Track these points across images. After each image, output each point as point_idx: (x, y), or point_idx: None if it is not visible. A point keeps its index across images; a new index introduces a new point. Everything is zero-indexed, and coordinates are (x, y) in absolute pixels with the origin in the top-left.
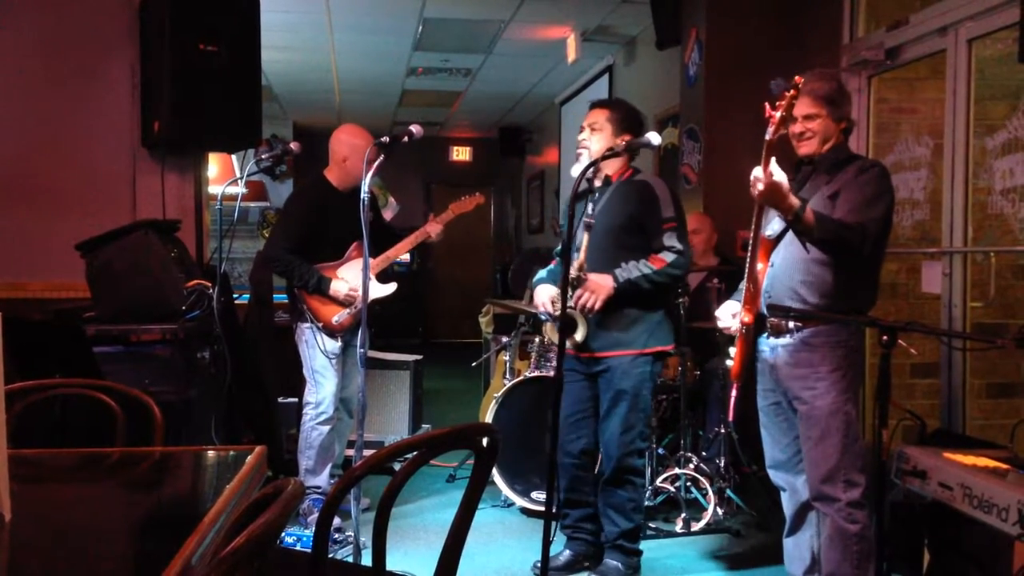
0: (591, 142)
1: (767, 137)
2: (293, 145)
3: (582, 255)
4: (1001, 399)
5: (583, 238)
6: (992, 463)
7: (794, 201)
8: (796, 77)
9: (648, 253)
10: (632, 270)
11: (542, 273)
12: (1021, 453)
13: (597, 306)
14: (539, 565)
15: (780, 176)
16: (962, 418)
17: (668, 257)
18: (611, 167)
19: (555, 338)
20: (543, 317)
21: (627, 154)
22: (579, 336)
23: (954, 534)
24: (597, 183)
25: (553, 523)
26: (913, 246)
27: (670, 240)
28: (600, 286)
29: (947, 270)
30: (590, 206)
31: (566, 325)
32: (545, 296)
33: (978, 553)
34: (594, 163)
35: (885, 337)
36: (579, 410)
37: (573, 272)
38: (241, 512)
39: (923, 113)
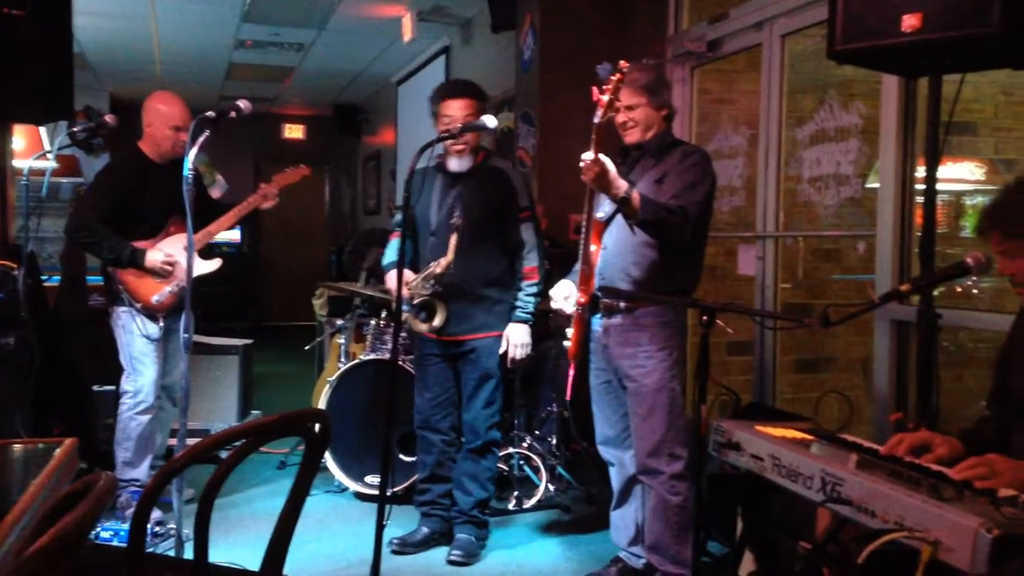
0: (471, 136)
1: (595, 120)
2: (109, 118)
3: (450, 255)
4: (807, 374)
5: (451, 239)
6: (799, 434)
7: (622, 184)
8: (621, 62)
9: (502, 241)
10: (527, 302)
11: (392, 255)
12: (824, 424)
13: (528, 352)
14: (395, 543)
15: (607, 160)
16: (772, 392)
17: (534, 261)
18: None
19: (417, 327)
20: (405, 308)
21: (471, 135)
22: (437, 321)
23: (765, 502)
24: (451, 170)
25: (388, 506)
26: (731, 230)
27: (527, 232)
28: (520, 336)
29: (761, 254)
30: (449, 195)
31: (424, 308)
32: (392, 282)
33: (786, 519)
34: (430, 144)
35: (705, 317)
36: (445, 390)
37: (439, 269)
38: (48, 509)
39: (741, 104)
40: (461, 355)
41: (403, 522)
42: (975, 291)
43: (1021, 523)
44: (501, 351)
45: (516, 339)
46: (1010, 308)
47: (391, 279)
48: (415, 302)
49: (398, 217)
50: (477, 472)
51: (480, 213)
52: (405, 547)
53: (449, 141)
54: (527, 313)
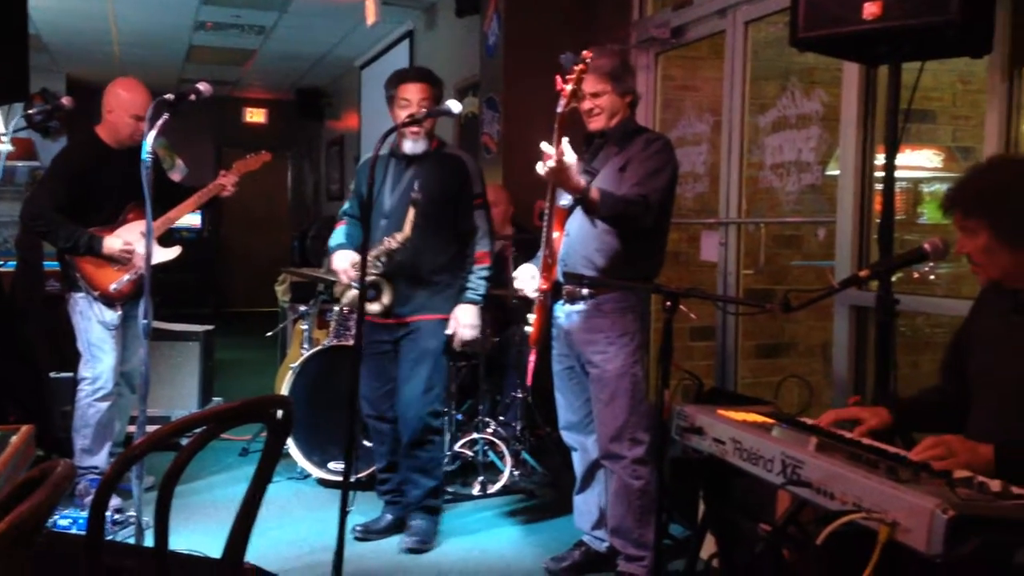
0: (426, 120)
1: (559, 110)
2: (65, 100)
3: (407, 230)
4: (768, 359)
5: (409, 212)
6: (760, 418)
7: (580, 181)
8: (585, 52)
9: (455, 227)
10: (478, 285)
11: (340, 237)
12: (784, 408)
13: (476, 334)
14: (359, 529)
15: (570, 157)
16: (734, 377)
17: (487, 246)
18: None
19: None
20: (355, 286)
21: (428, 121)
22: (385, 300)
23: (726, 485)
24: (405, 152)
25: (352, 492)
26: (694, 217)
27: (480, 219)
28: (468, 316)
29: (723, 240)
30: (403, 177)
31: (371, 288)
32: (346, 262)
33: (746, 502)
34: (394, 129)
35: (668, 303)
36: (392, 378)
37: (395, 244)
38: (4, 496)
39: (704, 91)
40: (403, 337)
41: (366, 509)
42: (932, 277)
43: (976, 504)
44: (448, 331)
45: (464, 319)
46: (966, 293)
47: (337, 259)
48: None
49: (346, 205)
50: (420, 465)
51: (434, 195)
52: (368, 534)
53: (408, 119)
54: (478, 295)
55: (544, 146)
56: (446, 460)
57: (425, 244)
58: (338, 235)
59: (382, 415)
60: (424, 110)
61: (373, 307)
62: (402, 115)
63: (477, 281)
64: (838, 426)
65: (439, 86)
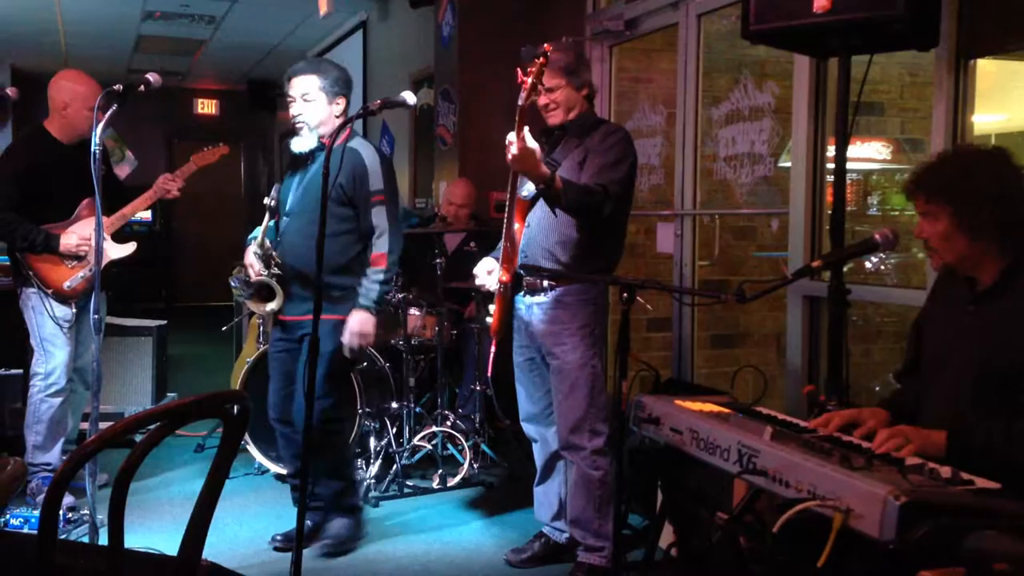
0: (308, 116)
1: (520, 103)
2: (10, 91)
3: (261, 236)
4: (723, 349)
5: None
6: (716, 408)
7: (544, 169)
8: (545, 45)
9: (358, 227)
10: (370, 289)
11: (257, 231)
12: (740, 398)
13: (371, 341)
14: (279, 539)
15: (532, 144)
16: (691, 367)
17: (384, 247)
18: (326, 131)
19: (258, 309)
20: (233, 283)
21: (379, 113)
22: (275, 305)
23: (684, 475)
24: (293, 149)
25: (310, 487)
26: (650, 208)
27: (379, 217)
28: (358, 323)
29: (679, 231)
30: (307, 175)
31: (261, 290)
32: (252, 257)
33: (704, 491)
34: (350, 120)
35: (625, 294)
36: (292, 380)
37: (261, 250)
38: None
39: (659, 83)
40: (302, 338)
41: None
42: (882, 267)
43: (927, 490)
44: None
45: (353, 326)
46: (916, 283)
47: (248, 253)
48: (252, 280)
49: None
50: (326, 468)
51: (319, 192)
52: (290, 542)
53: (291, 117)
54: (369, 301)
55: (509, 136)
56: (406, 454)
57: (312, 243)
58: (258, 229)
59: (285, 419)
60: (303, 101)
61: (269, 307)
62: (295, 114)
63: (369, 286)
64: (840, 430)
65: (325, 75)
